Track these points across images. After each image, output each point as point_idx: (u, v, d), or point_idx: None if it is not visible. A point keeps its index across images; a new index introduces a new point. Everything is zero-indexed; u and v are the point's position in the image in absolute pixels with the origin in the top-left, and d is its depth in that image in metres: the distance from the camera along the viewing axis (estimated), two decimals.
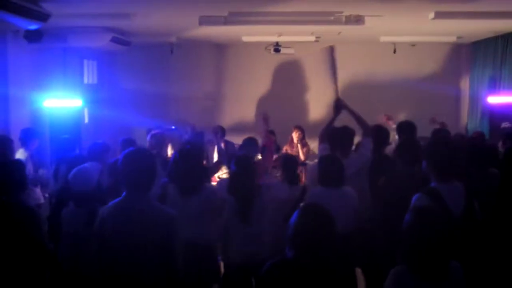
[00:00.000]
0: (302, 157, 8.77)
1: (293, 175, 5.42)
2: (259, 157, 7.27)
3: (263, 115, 8.03)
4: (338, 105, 5.84)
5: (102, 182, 4.59)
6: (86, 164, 4.64)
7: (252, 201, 4.74)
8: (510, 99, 9.04)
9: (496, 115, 9.27)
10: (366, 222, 4.88)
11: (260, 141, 7.30)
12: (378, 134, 5.73)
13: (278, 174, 7.41)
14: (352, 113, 5.73)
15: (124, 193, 3.44)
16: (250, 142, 6.60)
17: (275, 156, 8.25)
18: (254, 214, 4.73)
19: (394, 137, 6.37)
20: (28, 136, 7.17)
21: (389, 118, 8.14)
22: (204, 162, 6.04)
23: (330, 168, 4.79)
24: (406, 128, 5.96)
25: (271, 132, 9.31)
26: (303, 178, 8.13)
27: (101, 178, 4.57)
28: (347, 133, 5.59)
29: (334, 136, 5.56)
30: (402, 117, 10.21)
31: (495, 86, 9.81)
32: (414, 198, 3.65)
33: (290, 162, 5.54)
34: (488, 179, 4.74)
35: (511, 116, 8.92)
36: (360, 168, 5.32)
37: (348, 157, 5.37)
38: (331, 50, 6.21)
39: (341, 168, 4.77)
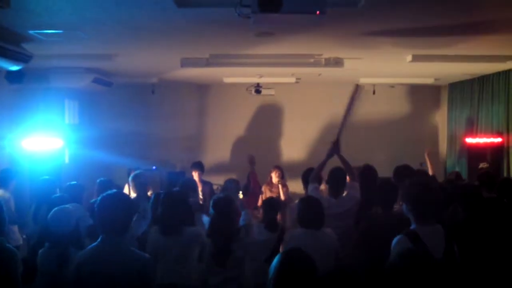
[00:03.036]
0: (282, 197, 8.76)
1: (272, 219, 5.43)
2: (240, 196, 7.31)
3: (249, 158, 8.47)
4: (335, 147, 5.92)
5: (80, 224, 4.56)
6: (68, 205, 4.61)
7: (229, 245, 4.71)
8: (487, 140, 9.18)
9: (473, 155, 9.40)
10: (350, 262, 4.88)
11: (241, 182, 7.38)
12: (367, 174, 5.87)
13: (259, 215, 7.44)
14: (342, 158, 5.83)
15: (100, 237, 3.49)
16: (231, 184, 6.62)
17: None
18: (232, 258, 4.69)
19: None
20: (7, 177, 7.13)
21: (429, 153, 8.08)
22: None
23: (310, 210, 4.77)
24: (370, 174, 6.03)
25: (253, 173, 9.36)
26: (282, 219, 8.16)
27: (80, 220, 4.54)
28: (341, 174, 5.68)
29: (330, 176, 5.71)
30: (381, 157, 10.37)
31: (472, 126, 9.98)
32: (394, 240, 3.66)
33: (272, 206, 5.55)
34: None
35: (488, 156, 9.05)
36: (348, 209, 5.38)
37: (338, 198, 5.48)
38: (356, 89, 6.30)
39: (321, 210, 4.76)
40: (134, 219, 4.27)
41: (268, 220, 5.35)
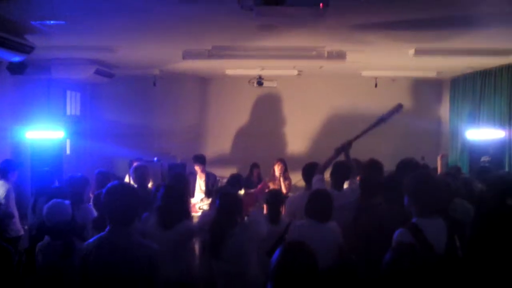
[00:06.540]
0: (284, 190, 8.79)
1: (276, 212, 5.44)
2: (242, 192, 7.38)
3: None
4: (345, 147, 5.97)
5: (76, 216, 4.55)
6: (63, 200, 4.61)
7: (223, 237, 4.68)
8: (489, 134, 9.17)
9: (475, 149, 9.39)
10: (350, 254, 4.91)
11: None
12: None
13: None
14: (348, 156, 5.94)
15: (107, 227, 3.49)
16: (235, 179, 6.69)
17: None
18: (228, 250, 4.67)
19: None
20: (8, 168, 7.14)
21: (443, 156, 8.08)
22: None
23: (319, 202, 4.84)
24: (373, 167, 6.05)
25: (256, 165, 9.40)
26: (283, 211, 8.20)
27: (75, 212, 4.53)
28: (344, 167, 5.78)
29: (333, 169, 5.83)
30: (383, 150, 10.38)
31: (474, 120, 9.96)
32: (396, 233, 3.66)
33: (275, 198, 5.56)
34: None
35: (490, 150, 9.04)
36: (350, 202, 5.42)
37: (341, 191, 5.62)
38: (398, 107, 6.37)
39: (330, 204, 4.84)
40: None
41: (272, 212, 5.38)
